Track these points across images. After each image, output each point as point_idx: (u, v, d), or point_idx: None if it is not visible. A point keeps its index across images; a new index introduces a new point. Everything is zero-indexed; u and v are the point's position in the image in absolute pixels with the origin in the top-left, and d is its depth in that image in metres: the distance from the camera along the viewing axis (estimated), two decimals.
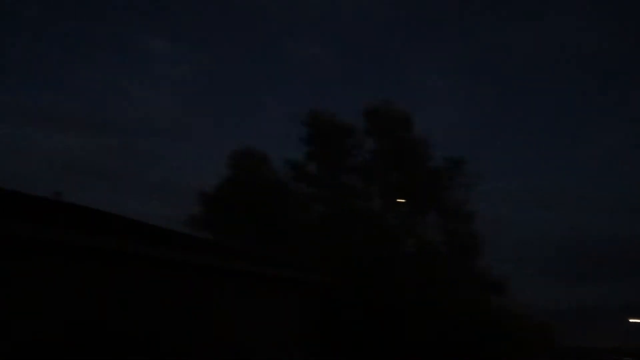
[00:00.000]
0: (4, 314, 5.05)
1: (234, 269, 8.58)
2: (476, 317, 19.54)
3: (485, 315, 20.05)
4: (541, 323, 25.08)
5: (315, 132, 20.58)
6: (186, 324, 7.50)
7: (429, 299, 18.56)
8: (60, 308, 5.62)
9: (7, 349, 4.99)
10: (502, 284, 20.76)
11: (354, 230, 19.35)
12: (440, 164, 20.46)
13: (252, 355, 8.82)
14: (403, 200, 20.21)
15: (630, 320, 47.25)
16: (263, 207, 19.58)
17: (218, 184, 20.70)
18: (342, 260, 17.77)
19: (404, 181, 19.95)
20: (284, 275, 9.87)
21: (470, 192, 20.20)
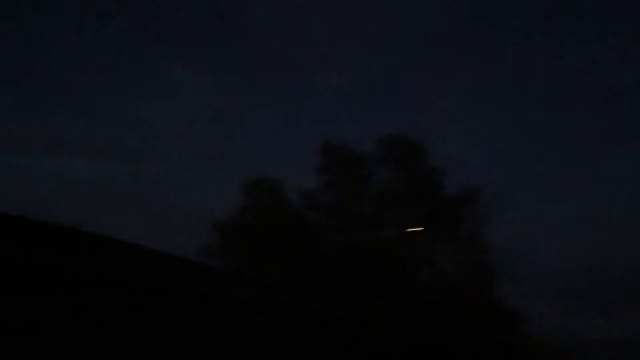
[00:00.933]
0: None
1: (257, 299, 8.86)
2: (486, 346, 19.10)
3: (496, 345, 19.60)
4: (562, 353, 24.28)
5: (329, 161, 20.54)
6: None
7: (440, 329, 18.24)
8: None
9: None
10: (517, 315, 20.30)
11: (367, 260, 19.20)
12: (456, 193, 20.21)
13: None
14: (417, 230, 19.99)
15: None
16: (277, 236, 19.56)
17: (232, 212, 20.77)
18: (353, 290, 17.64)
19: (419, 210, 19.76)
20: (296, 305, 9.99)
21: (487, 221, 19.88)
